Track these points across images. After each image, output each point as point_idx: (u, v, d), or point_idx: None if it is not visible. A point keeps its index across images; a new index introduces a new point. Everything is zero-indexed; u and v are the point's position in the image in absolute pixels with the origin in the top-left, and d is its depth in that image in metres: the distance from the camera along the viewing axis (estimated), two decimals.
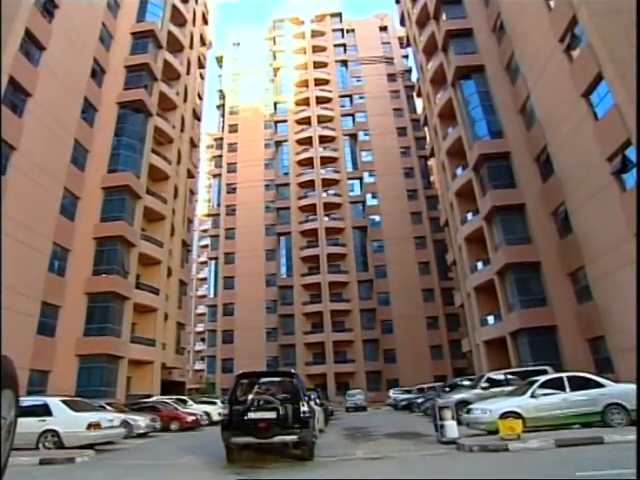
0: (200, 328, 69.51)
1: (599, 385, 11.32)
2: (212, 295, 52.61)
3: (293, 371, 10.29)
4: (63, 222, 24.30)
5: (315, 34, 60.73)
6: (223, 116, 60.64)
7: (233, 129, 58.93)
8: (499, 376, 17.08)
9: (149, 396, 23.75)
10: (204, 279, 72.53)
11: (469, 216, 28.89)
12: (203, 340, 62.89)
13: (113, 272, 25.37)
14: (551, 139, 22.70)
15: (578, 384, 11.40)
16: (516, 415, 10.43)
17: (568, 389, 11.24)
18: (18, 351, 18.82)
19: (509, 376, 16.74)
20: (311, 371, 43.83)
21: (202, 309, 69.10)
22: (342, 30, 61.74)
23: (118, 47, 30.98)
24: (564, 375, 11.97)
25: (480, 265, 27.53)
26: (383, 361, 44.76)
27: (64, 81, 24.94)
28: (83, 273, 24.89)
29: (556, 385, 11.46)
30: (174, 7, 35.84)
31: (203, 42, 43.91)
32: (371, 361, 44.33)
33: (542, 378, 11.97)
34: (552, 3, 21.37)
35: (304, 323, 46.67)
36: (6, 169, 20.34)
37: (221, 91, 62.59)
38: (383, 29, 62.93)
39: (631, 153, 16.62)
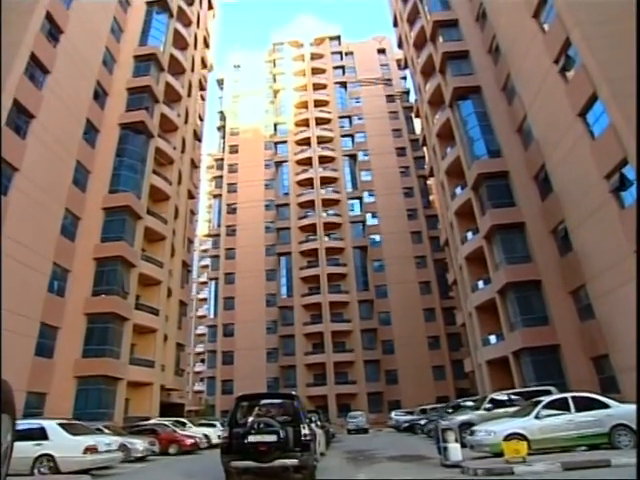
0: (200, 349, 68.91)
1: (604, 405, 11.15)
2: (212, 315, 52.32)
3: (294, 393, 10.16)
4: (63, 242, 24.31)
5: (314, 57, 61.78)
6: (224, 137, 61.28)
7: (234, 150, 59.46)
8: (502, 397, 16.86)
9: (147, 418, 23.40)
10: (204, 299, 72.25)
11: (469, 235, 28.91)
12: (203, 361, 62.30)
13: (113, 293, 25.26)
14: (549, 158, 22.87)
15: (583, 404, 11.23)
16: (521, 437, 10.25)
17: (573, 410, 11.07)
18: (15, 373, 18.62)
19: (513, 396, 16.53)
20: (312, 392, 43.28)
21: (202, 329, 68.65)
22: (341, 53, 62.82)
23: (121, 70, 31.49)
24: (569, 395, 11.80)
25: (481, 284, 27.43)
26: (385, 382, 44.22)
27: (67, 103, 25.28)
28: (83, 294, 24.79)
29: (561, 406, 11.30)
30: (176, 31, 36.57)
31: (204, 65, 44.64)
32: (372, 382, 43.79)
33: (546, 398, 11.82)
34: (546, 26, 21.77)
35: (305, 344, 46.27)
36: (8, 190, 20.45)
37: (222, 112, 63.38)
38: (381, 51, 64.06)
39: (628, 171, 16.72)
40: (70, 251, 24.82)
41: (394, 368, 44.96)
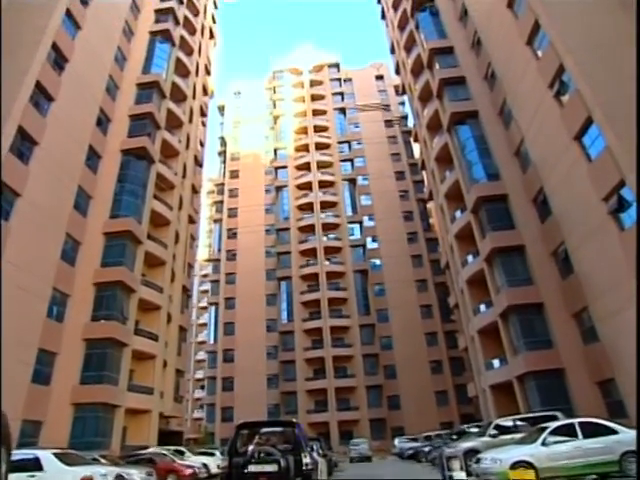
0: (199, 375, 67.98)
1: (613, 431, 10.88)
2: (212, 341, 51.83)
3: (295, 420, 9.97)
4: (64, 267, 24.26)
5: (314, 83, 63.01)
6: (224, 162, 61.93)
7: (234, 175, 60.02)
8: (508, 422, 16.52)
9: (145, 447, 22.87)
10: (204, 325, 71.66)
11: (469, 258, 28.87)
12: (202, 387, 61.41)
13: (112, 318, 25.08)
14: (547, 181, 23.02)
15: (591, 430, 10.97)
16: (528, 465, 10.00)
17: (581, 436, 10.82)
18: (11, 401, 18.33)
19: (518, 422, 16.19)
20: (313, 419, 42.51)
21: (202, 355, 67.85)
22: (340, 79, 64.12)
23: (124, 97, 32.03)
24: (575, 421, 11.54)
25: (483, 307, 27.24)
26: (387, 408, 43.47)
27: (70, 130, 25.63)
28: (82, 319, 24.60)
29: (568, 432, 11.04)
30: (178, 59, 37.37)
31: (205, 92, 45.42)
32: (375, 408, 43.05)
33: (553, 424, 11.56)
34: (539, 52, 22.20)
35: (306, 369, 45.69)
36: (9, 215, 20.53)
37: (222, 138, 64.23)
38: (379, 78, 65.35)
39: (626, 192, 16.80)
40: (70, 276, 24.75)
41: (396, 393, 44.29)
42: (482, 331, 27.17)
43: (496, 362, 25.75)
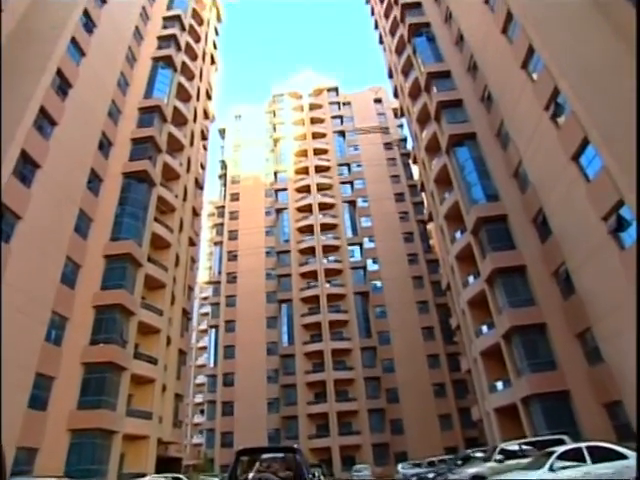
0: (199, 399, 66.95)
1: (622, 456, 10.51)
2: (212, 364, 51.21)
3: (296, 446, 9.75)
4: (63, 290, 24.15)
5: (313, 107, 63.95)
6: (225, 185, 62.35)
7: (234, 198, 60.35)
8: (513, 447, 16.19)
9: (143, 475, 22.37)
10: (204, 348, 70.94)
11: (470, 279, 28.77)
12: (202, 412, 60.44)
13: (111, 341, 24.84)
14: (546, 201, 23.10)
15: (599, 455, 10.63)
16: None
17: (589, 461, 10.51)
18: (7, 428, 17.96)
19: (524, 446, 15.87)
20: (315, 445, 41.68)
21: (201, 379, 66.99)
22: (339, 103, 65.12)
23: (126, 121, 32.44)
24: (583, 445, 11.22)
25: (485, 329, 27.00)
26: (390, 432, 42.65)
27: (73, 153, 25.88)
28: (80, 342, 24.36)
29: (576, 456, 10.73)
30: (180, 84, 38.05)
31: (206, 116, 46.05)
32: (377, 432, 42.23)
33: (560, 449, 11.26)
34: (534, 75, 22.55)
35: (307, 393, 45.02)
36: (10, 237, 20.54)
37: (223, 161, 64.82)
38: (378, 101, 66.33)
39: (625, 212, 16.84)
40: (70, 299, 24.61)
41: (399, 417, 43.54)
42: (485, 353, 26.87)
43: (500, 384, 25.39)
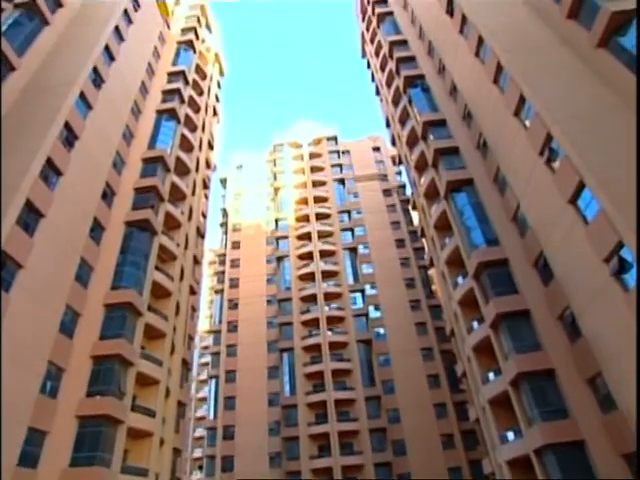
0: (198, 454, 64.35)
1: None
2: (212, 417, 49.59)
3: None
4: (61, 340, 23.71)
5: (313, 156, 65.53)
6: (226, 233, 62.84)
7: (236, 246, 60.64)
8: None
9: None
10: (204, 399, 68.97)
11: (474, 325, 28.32)
12: (200, 468, 58.03)
13: (108, 393, 24.14)
14: (546, 244, 23.11)
15: None
16: None
17: None
18: None
19: None
20: None
21: (200, 432, 64.70)
22: (338, 151, 66.77)
23: (129, 171, 33.11)
24: None
25: (492, 376, 26.27)
26: None
27: (77, 203, 26.25)
28: (76, 394, 23.66)
29: None
30: (183, 136, 39.19)
31: (208, 165, 47.09)
32: None
33: None
34: (527, 122, 23.21)
35: (310, 446, 43.31)
36: (10, 286, 20.45)
37: (224, 210, 65.62)
38: (376, 149, 68.05)
39: (626, 253, 16.81)
40: (67, 349, 24.12)
41: (407, 471, 41.69)
42: (493, 401, 26.02)
43: (510, 434, 24.41)
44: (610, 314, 18.29)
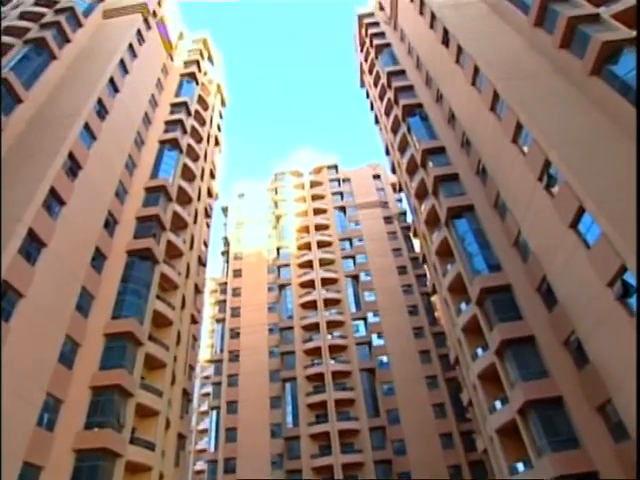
0: None
1: None
2: (212, 449, 48.35)
3: None
4: (60, 371, 23.36)
5: (314, 184, 66.11)
6: (227, 262, 62.77)
7: (237, 274, 60.50)
8: None
9: None
10: (204, 431, 67.48)
11: (479, 352, 27.88)
12: None
13: (107, 425, 23.63)
14: (548, 269, 22.97)
15: None
16: None
17: None
18: None
19: None
20: None
21: (200, 465, 63.05)
22: (338, 180, 67.37)
23: (132, 200, 33.37)
24: None
25: (499, 404, 25.68)
26: None
27: (79, 232, 26.35)
28: (74, 426, 23.12)
29: None
30: (185, 165, 39.65)
31: (210, 194, 47.45)
32: None
33: None
34: (525, 148, 23.47)
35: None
36: (10, 316, 20.31)
37: (226, 238, 65.78)
38: (376, 177, 68.70)
39: (630, 277, 16.69)
40: (66, 380, 23.71)
41: None
42: (501, 430, 25.34)
43: (520, 466, 23.69)
44: (616, 339, 18.03)
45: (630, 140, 18.85)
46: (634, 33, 20.61)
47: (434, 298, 48.59)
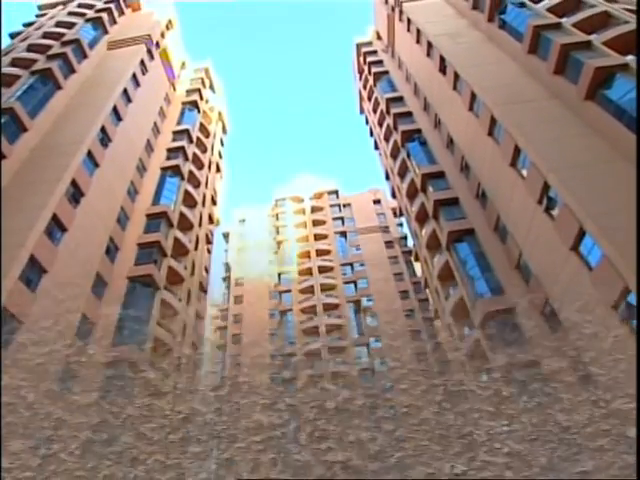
0: None
1: None
2: None
3: None
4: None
5: (314, 210, 66.42)
6: (228, 288, 62.45)
7: (238, 300, 60.11)
8: None
9: None
10: None
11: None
12: None
13: None
14: (551, 291, 22.79)
15: None
16: None
17: None
18: None
19: None
20: None
21: None
22: (339, 205, 67.74)
23: (133, 227, 33.43)
24: None
25: None
26: None
27: (80, 258, 26.32)
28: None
29: None
30: (186, 191, 39.84)
31: (211, 220, 47.59)
32: None
33: None
34: (524, 172, 23.64)
35: None
36: (9, 344, 20.09)
37: (227, 264, 65.65)
38: (377, 202, 68.98)
39: (633, 299, 16.57)
40: None
41: None
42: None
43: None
44: (626, 360, 17.73)
45: (627, 162, 19.01)
46: (626, 59, 21.08)
47: (437, 322, 48.10)
